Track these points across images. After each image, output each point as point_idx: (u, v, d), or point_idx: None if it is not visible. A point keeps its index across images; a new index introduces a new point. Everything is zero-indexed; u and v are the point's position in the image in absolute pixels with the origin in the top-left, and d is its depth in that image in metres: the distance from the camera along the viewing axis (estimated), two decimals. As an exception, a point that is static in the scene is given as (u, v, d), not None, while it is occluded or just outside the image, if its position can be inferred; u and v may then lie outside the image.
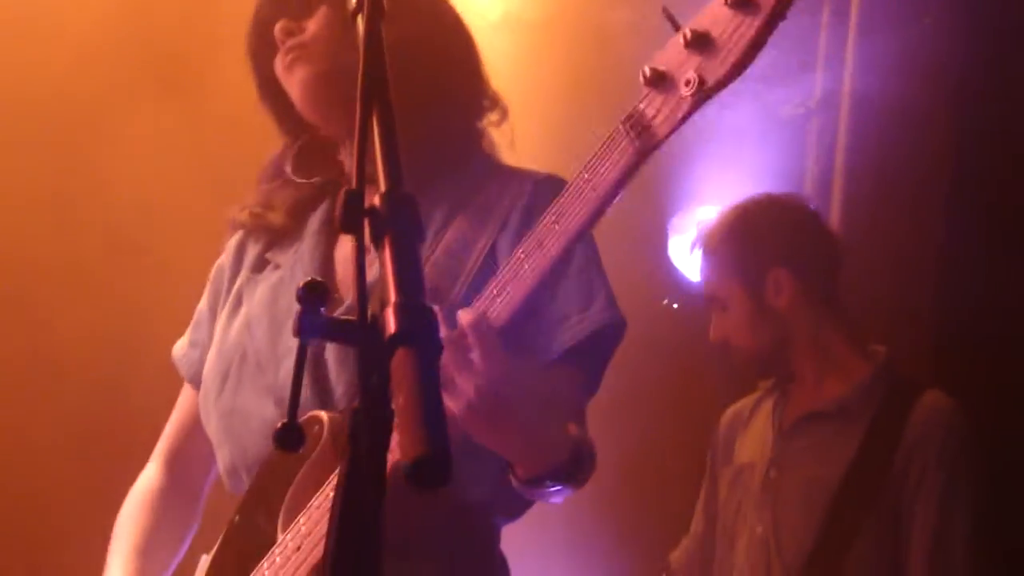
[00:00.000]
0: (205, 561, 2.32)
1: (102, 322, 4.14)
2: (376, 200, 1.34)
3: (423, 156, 2.10)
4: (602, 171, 1.88)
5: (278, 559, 2.06)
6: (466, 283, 2.18)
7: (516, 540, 2.35)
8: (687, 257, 4.19)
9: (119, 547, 2.41)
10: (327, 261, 2.32)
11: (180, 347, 2.52)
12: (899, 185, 4.14)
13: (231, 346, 2.33)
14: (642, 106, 1.86)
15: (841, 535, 3.29)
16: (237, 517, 2.20)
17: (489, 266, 2.17)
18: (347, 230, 1.34)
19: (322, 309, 1.35)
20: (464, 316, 1.93)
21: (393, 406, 1.25)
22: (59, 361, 4.18)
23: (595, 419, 2.22)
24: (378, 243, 1.34)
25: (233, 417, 2.30)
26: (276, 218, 2.41)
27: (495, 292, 1.97)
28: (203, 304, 2.51)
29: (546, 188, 2.25)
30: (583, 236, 1.94)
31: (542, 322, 2.18)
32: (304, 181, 2.40)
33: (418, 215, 1.35)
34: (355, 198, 1.34)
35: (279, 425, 1.33)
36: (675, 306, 4.57)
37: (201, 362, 2.43)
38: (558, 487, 2.05)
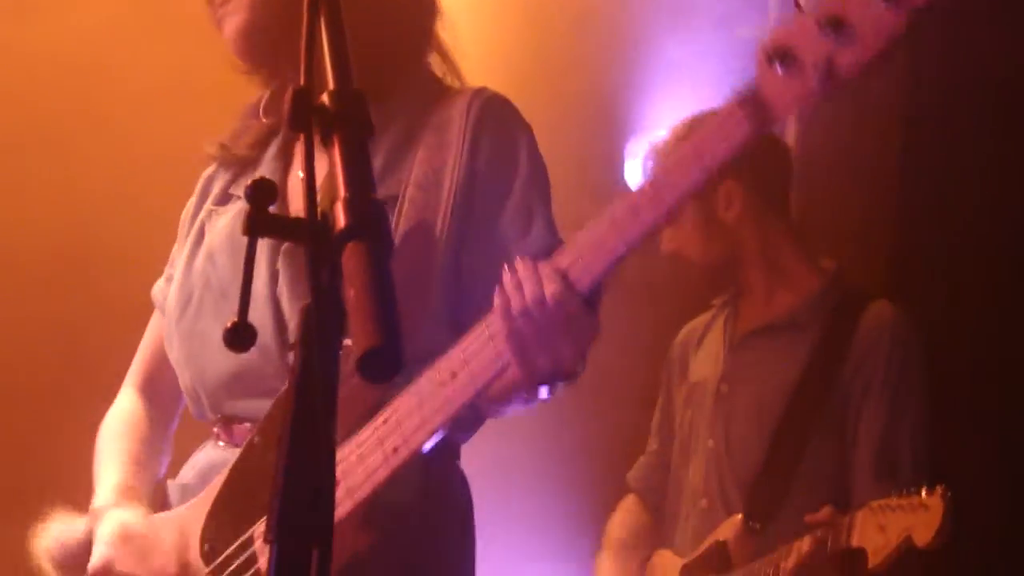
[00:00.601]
0: (173, 486, 2.33)
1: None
2: (324, 98, 1.34)
3: (370, 67, 2.09)
4: (710, 144, 1.84)
5: None
6: (448, 214, 2.18)
7: (476, 460, 2.35)
8: (641, 179, 4.19)
9: (109, 455, 2.42)
10: (282, 186, 2.32)
11: (157, 285, 2.54)
12: (855, 99, 4.15)
13: (195, 275, 2.35)
14: (759, 83, 1.81)
15: (791, 447, 3.32)
16: (257, 438, 2.20)
17: (464, 191, 2.18)
18: (296, 128, 1.34)
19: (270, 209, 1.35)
20: (552, 286, 1.91)
21: (344, 300, 1.25)
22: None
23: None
24: (327, 141, 1.34)
25: (193, 340, 2.31)
26: (241, 150, 2.43)
27: (575, 257, 1.94)
28: (176, 245, 2.52)
29: (492, 104, 2.27)
30: (676, 212, 1.91)
31: (481, 251, 2.18)
32: (268, 121, 2.41)
33: (367, 112, 1.35)
34: (303, 96, 1.34)
35: (228, 324, 1.33)
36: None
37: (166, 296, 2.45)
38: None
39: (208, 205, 2.44)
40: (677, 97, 4.34)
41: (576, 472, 4.29)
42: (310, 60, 1.36)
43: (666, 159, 1.85)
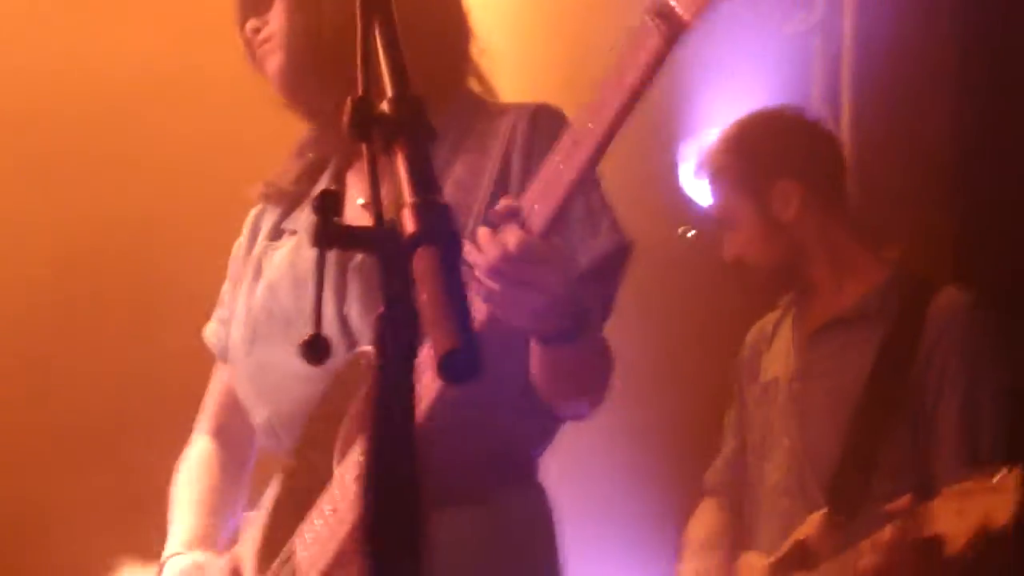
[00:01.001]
0: (253, 516, 2.34)
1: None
2: (384, 105, 1.34)
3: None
4: (632, 62, 1.85)
5: (337, 492, 2.07)
6: (481, 213, 2.17)
7: (561, 492, 2.35)
8: (695, 182, 4.17)
9: (181, 506, 2.44)
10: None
11: (210, 327, 2.54)
12: (909, 84, 4.12)
13: (257, 310, 2.36)
14: None
15: (868, 438, 3.29)
16: (293, 461, 2.21)
17: (500, 192, 2.17)
18: (357, 137, 1.34)
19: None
20: (511, 238, 1.91)
21: (418, 305, 1.25)
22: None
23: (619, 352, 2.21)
24: (388, 150, 1.34)
25: (264, 375, 2.32)
26: (287, 186, 2.44)
27: (531, 202, 1.95)
28: (226, 284, 2.53)
29: (544, 113, 2.28)
30: (615, 133, 1.91)
31: None
32: (310, 157, 2.44)
33: (426, 116, 1.35)
34: (363, 106, 1.34)
35: (306, 337, 1.33)
36: (692, 234, 4.55)
37: (226, 337, 2.46)
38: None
39: (261, 241, 2.45)
40: (726, 97, 4.32)
41: (655, 473, 4.26)
42: (367, 68, 1.36)
43: (597, 92, 1.88)
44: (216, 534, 2.39)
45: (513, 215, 1.92)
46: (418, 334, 1.26)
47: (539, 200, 1.93)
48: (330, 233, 1.32)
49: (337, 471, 2.09)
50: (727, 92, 4.36)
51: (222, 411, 2.53)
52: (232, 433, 2.51)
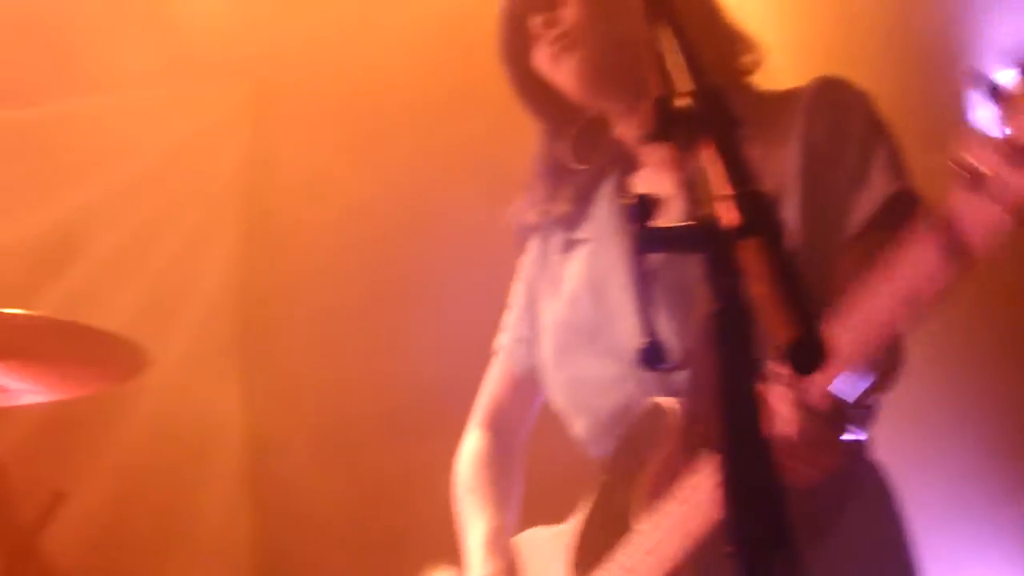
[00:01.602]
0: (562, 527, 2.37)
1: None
2: (685, 101, 1.32)
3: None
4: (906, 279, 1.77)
5: (634, 551, 2.09)
6: (796, 201, 2.13)
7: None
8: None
9: (471, 508, 2.48)
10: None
11: (504, 341, 2.58)
12: None
13: (561, 325, 2.37)
14: (954, 205, 1.72)
15: None
16: (606, 477, 2.22)
17: (806, 181, 2.13)
18: (662, 138, 1.33)
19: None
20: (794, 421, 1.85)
21: (750, 298, 1.23)
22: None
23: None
24: (691, 145, 1.32)
25: (577, 388, 2.33)
26: (563, 207, 2.42)
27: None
28: (518, 299, 2.55)
29: (829, 88, 2.21)
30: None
31: (825, 210, 2.12)
32: (584, 168, 2.40)
33: (730, 107, 1.32)
34: (666, 105, 1.33)
35: (642, 344, 1.32)
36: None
37: (526, 354, 2.50)
38: None
39: (553, 257, 2.45)
40: (1016, 29, 4.14)
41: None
42: (663, 67, 1.34)
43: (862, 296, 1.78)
44: (509, 528, 2.43)
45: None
46: (754, 328, 1.25)
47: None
48: (650, 237, 1.31)
49: (637, 525, 2.10)
50: (1015, 22, 4.18)
51: (496, 400, 2.58)
52: (507, 425, 2.56)
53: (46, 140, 4.14)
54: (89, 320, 2.97)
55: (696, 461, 1.99)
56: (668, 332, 2.14)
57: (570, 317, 2.35)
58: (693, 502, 1.98)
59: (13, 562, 3.76)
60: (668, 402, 2.11)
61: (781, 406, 1.83)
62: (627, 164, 2.38)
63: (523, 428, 2.56)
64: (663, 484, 2.05)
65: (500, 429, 2.58)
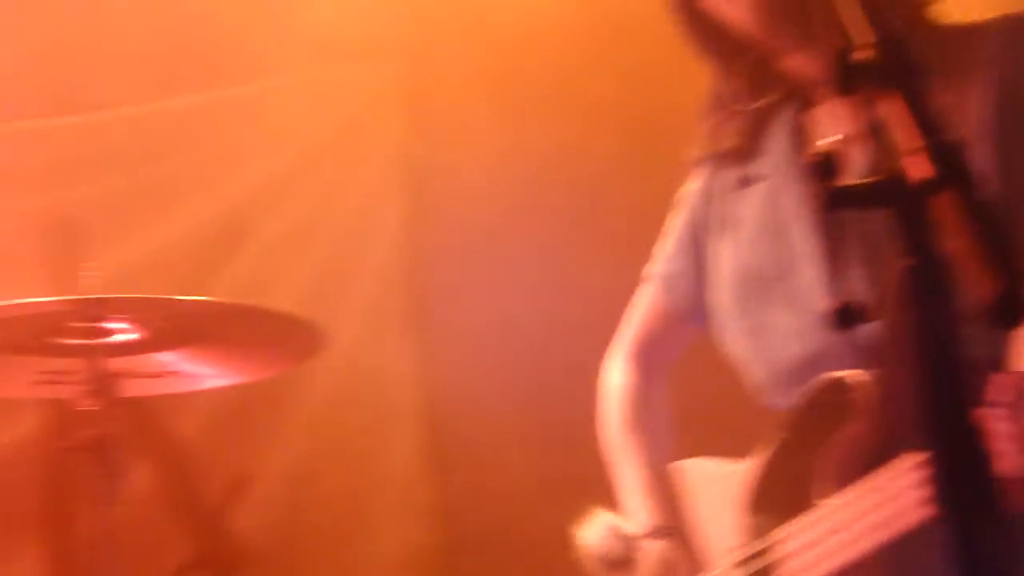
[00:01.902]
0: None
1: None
2: (867, 53, 1.29)
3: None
4: None
5: (818, 527, 2.06)
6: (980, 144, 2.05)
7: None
8: None
9: (624, 452, 2.46)
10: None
11: (659, 270, 2.52)
12: None
13: (740, 270, 2.32)
14: None
15: None
16: (785, 435, 2.18)
17: (999, 120, 2.04)
18: (844, 91, 1.30)
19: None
20: None
21: (946, 252, 1.19)
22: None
23: None
24: (874, 96, 1.29)
25: (758, 336, 2.28)
26: (732, 143, 2.36)
27: None
28: (680, 232, 2.49)
29: (1012, 21, 2.12)
30: None
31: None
32: (753, 107, 2.33)
33: (911, 57, 1.28)
34: (847, 56, 1.30)
35: (835, 306, 1.30)
36: None
37: (686, 289, 2.45)
38: None
39: (723, 195, 2.38)
40: None
41: None
42: (844, 19, 1.31)
43: None
44: (664, 468, 2.39)
45: None
46: (949, 283, 1.21)
47: None
48: (838, 195, 1.28)
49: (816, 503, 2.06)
50: None
51: (646, 335, 2.53)
52: (653, 355, 2.52)
53: (211, 129, 4.21)
54: (264, 302, 3.03)
55: (891, 447, 1.95)
56: (858, 287, 2.06)
57: (750, 261, 2.29)
58: (890, 493, 1.94)
59: (201, 545, 3.86)
60: (854, 376, 2.06)
61: (1002, 444, 1.78)
62: (802, 100, 2.33)
63: (670, 361, 2.52)
64: (851, 464, 2.01)
65: (648, 362, 2.54)
